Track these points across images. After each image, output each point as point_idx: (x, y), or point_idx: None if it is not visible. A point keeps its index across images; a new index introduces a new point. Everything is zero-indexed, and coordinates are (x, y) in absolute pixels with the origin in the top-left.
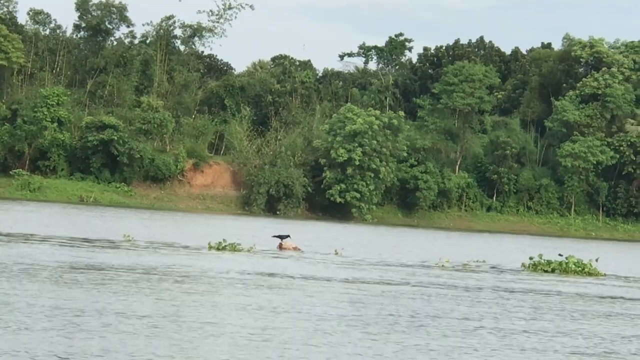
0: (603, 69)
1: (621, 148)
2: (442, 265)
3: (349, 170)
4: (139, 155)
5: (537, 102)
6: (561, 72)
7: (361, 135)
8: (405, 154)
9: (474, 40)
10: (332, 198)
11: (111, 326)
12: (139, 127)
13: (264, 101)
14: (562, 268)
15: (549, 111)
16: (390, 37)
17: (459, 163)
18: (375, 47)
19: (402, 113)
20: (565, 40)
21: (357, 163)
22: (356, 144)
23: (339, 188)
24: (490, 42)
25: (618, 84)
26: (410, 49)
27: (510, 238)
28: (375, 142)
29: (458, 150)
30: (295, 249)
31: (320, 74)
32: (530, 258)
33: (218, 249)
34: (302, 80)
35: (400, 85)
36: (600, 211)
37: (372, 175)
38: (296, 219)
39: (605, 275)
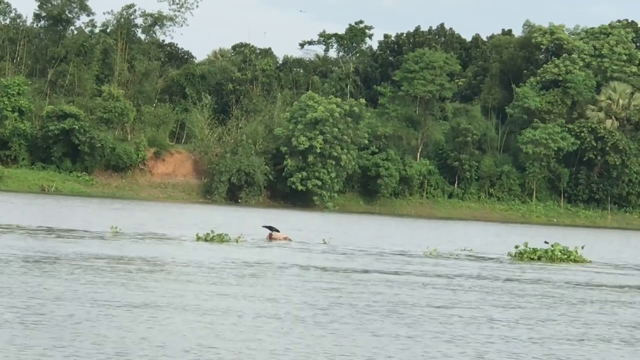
0: (563, 55)
1: (582, 134)
2: (430, 254)
3: (310, 158)
4: (100, 145)
5: (498, 88)
6: (522, 58)
7: (322, 123)
8: (366, 142)
9: (434, 27)
10: (293, 186)
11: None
12: (100, 116)
13: (225, 89)
14: (548, 256)
15: (509, 98)
16: (350, 25)
17: (420, 150)
18: (335, 35)
19: (363, 100)
20: (525, 26)
21: (318, 151)
22: (317, 132)
23: (300, 176)
24: (450, 29)
25: (578, 70)
26: (370, 37)
27: (492, 226)
28: (336, 129)
29: (419, 137)
30: (285, 239)
31: (280, 62)
32: (516, 246)
33: (206, 239)
34: (262, 68)
35: (361, 73)
36: (562, 197)
37: (334, 163)
38: (258, 207)
39: (590, 261)
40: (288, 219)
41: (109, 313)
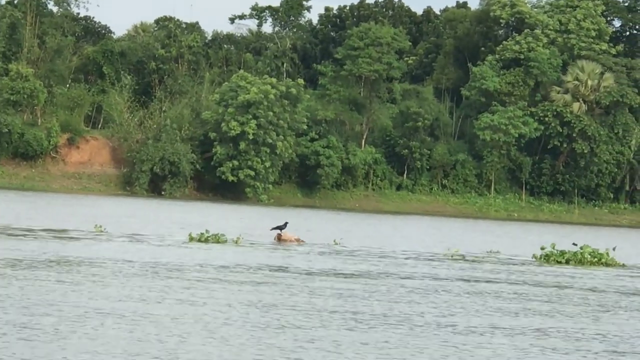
0: (525, 31)
1: (546, 119)
2: (452, 256)
3: (242, 146)
4: (6, 130)
5: (452, 68)
6: (479, 34)
7: (255, 106)
8: (305, 127)
9: (381, 0)
10: (223, 176)
11: None
12: (7, 98)
13: (147, 68)
14: (577, 259)
15: (465, 78)
16: None
17: (365, 136)
18: (269, 8)
19: (301, 81)
20: None
21: (251, 137)
22: (250, 116)
23: (231, 165)
24: (399, 1)
25: (542, 48)
26: (309, 10)
27: (445, 222)
28: (271, 113)
29: (364, 122)
30: (297, 240)
31: (209, 38)
32: (542, 248)
33: (200, 240)
34: (189, 44)
35: (299, 50)
36: (523, 189)
37: (268, 150)
38: (183, 200)
39: (624, 265)
40: (217, 213)
41: None
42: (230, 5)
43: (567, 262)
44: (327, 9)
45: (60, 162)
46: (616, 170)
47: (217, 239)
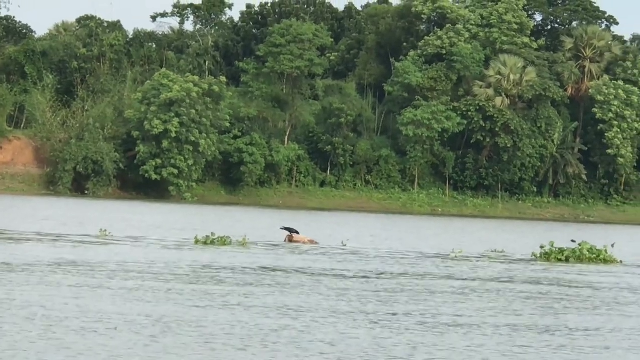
0: (447, 26)
1: (469, 113)
2: (455, 257)
3: (165, 144)
4: None
5: (375, 63)
6: (401, 30)
7: (178, 104)
8: (227, 124)
9: None
10: (147, 175)
11: None
12: None
13: (69, 68)
14: (576, 256)
15: (388, 74)
16: None
17: (288, 133)
18: (191, 6)
19: (223, 78)
20: None
21: (173, 135)
22: (173, 114)
23: (154, 164)
24: None
25: (464, 43)
26: (230, 7)
27: (372, 217)
28: (194, 111)
29: (287, 119)
30: (311, 242)
31: (131, 36)
32: (542, 246)
33: (206, 243)
34: (110, 43)
35: (221, 48)
36: (447, 184)
37: (191, 148)
38: (107, 199)
39: (621, 262)
40: (141, 212)
41: None
42: (151, 3)
43: (567, 259)
44: (248, 6)
45: None
46: (539, 164)
47: (223, 242)
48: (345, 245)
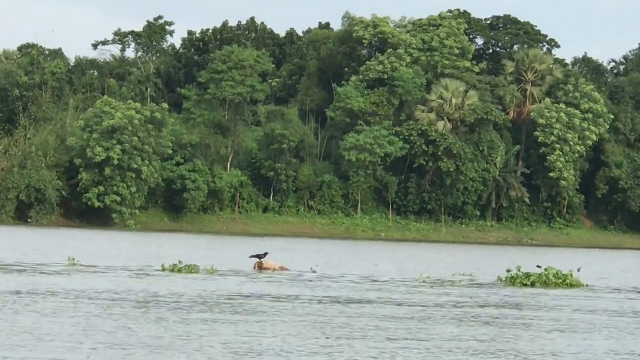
0: (389, 50)
1: (411, 138)
2: (423, 281)
3: (108, 171)
4: None
5: (317, 89)
6: (342, 55)
7: (120, 131)
8: (170, 151)
9: (243, 22)
10: (89, 202)
11: None
12: None
13: (11, 96)
14: (542, 280)
15: (329, 99)
16: (148, 21)
17: (230, 159)
18: (132, 33)
19: (165, 105)
20: (345, 19)
21: (116, 162)
22: (115, 141)
23: (97, 191)
24: (262, 23)
25: (406, 67)
26: (172, 34)
27: (313, 243)
28: (136, 138)
29: (229, 145)
30: (281, 268)
31: (72, 64)
32: (508, 270)
33: (173, 270)
34: (52, 71)
35: (162, 74)
36: (390, 209)
37: (134, 175)
38: (50, 227)
39: (587, 285)
40: (83, 239)
41: None
42: (92, 30)
43: (533, 284)
44: (189, 32)
45: None
46: (482, 187)
47: (190, 270)
48: (314, 272)
